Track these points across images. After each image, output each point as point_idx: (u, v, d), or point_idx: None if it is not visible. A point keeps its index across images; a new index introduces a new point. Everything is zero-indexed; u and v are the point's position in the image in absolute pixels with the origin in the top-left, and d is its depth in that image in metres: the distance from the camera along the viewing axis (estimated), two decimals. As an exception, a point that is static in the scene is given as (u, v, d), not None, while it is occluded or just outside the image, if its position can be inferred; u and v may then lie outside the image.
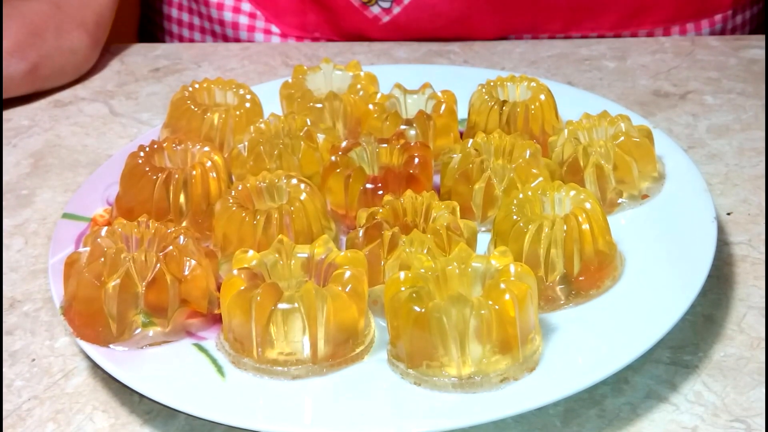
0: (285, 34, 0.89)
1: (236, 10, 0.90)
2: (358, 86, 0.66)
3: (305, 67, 0.68)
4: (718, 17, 0.89)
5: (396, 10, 0.85)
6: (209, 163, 0.57)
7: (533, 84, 0.64)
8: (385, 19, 0.85)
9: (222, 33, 0.92)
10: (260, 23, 0.89)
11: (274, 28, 0.89)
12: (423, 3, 0.85)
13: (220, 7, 0.90)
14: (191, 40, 0.94)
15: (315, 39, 0.89)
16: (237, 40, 0.91)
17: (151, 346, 0.48)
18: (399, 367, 0.46)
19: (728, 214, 0.60)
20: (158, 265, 0.48)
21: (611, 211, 0.57)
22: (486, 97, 0.63)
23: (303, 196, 0.54)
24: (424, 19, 0.86)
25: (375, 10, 0.85)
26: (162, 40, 0.97)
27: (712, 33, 0.89)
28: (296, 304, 0.45)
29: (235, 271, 0.47)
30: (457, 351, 0.44)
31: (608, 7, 0.86)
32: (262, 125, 0.61)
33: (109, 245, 0.49)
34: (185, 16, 0.94)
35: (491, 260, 0.47)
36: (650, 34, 0.87)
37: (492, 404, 0.43)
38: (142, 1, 0.99)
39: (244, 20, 0.90)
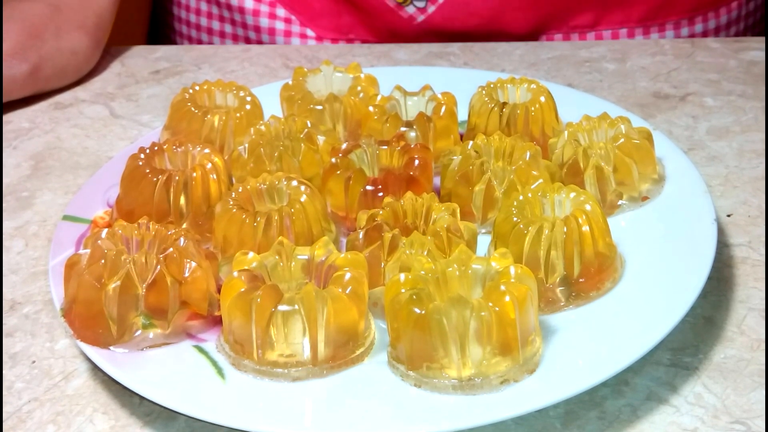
0: (320, 37, 0.90)
1: (272, 15, 0.90)
2: (359, 88, 0.66)
3: (305, 69, 0.68)
4: (734, 4, 0.90)
5: (431, 9, 0.86)
6: (209, 165, 0.57)
7: (533, 86, 0.64)
8: (420, 18, 0.86)
9: (257, 39, 0.93)
10: (296, 27, 0.90)
11: (310, 32, 0.90)
12: (457, 2, 0.86)
13: (256, 13, 0.91)
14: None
15: (350, 40, 0.90)
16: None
17: (151, 348, 0.48)
18: (399, 369, 0.46)
19: (728, 215, 0.60)
20: (158, 267, 0.48)
21: (611, 213, 0.57)
22: (486, 99, 0.63)
23: (303, 198, 0.54)
24: (458, 18, 0.87)
25: (410, 9, 0.86)
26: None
27: (728, 22, 0.90)
28: (296, 306, 0.45)
29: (235, 273, 0.47)
30: (458, 353, 0.44)
31: None
32: (263, 127, 0.61)
33: (109, 247, 0.49)
34: (216, 24, 0.94)
35: (491, 262, 0.47)
36: (677, 26, 0.88)
37: (492, 406, 0.43)
38: (162, 11, 0.99)
39: (280, 26, 0.91)
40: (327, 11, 0.90)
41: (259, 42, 0.93)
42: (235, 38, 0.94)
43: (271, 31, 0.91)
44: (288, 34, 0.91)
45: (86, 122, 0.76)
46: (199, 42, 0.96)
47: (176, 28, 0.98)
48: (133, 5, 0.90)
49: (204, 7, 0.95)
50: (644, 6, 0.88)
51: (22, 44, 0.77)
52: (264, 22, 0.91)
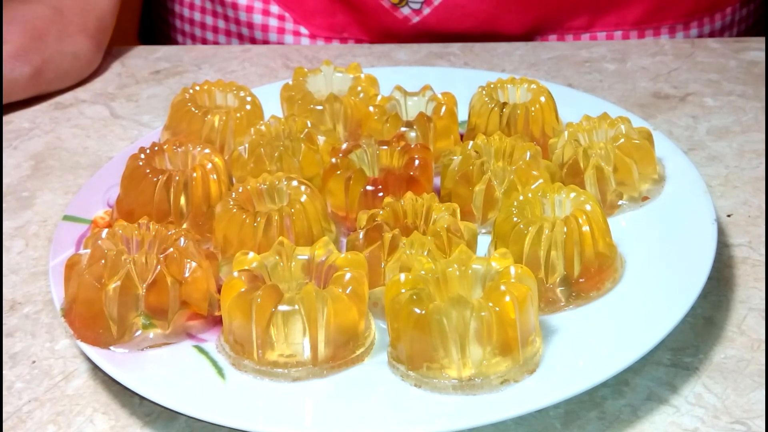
0: (314, 36, 0.90)
1: (265, 12, 0.90)
2: (359, 88, 0.66)
3: (306, 69, 0.68)
4: (728, 9, 0.90)
5: (426, 11, 0.86)
6: (210, 165, 0.57)
7: (533, 86, 0.64)
8: (415, 19, 0.86)
9: (250, 36, 0.92)
10: (289, 25, 0.90)
11: (303, 30, 0.90)
12: (453, 3, 0.86)
13: (249, 9, 0.91)
14: (215, 44, 0.95)
15: (343, 40, 0.90)
16: (266, 42, 0.92)
17: (151, 348, 0.48)
18: (399, 369, 0.46)
19: (728, 216, 0.60)
20: (159, 267, 0.48)
21: (611, 213, 0.57)
22: (486, 99, 0.63)
23: (303, 198, 0.54)
24: (453, 20, 0.87)
25: (405, 11, 0.86)
26: (179, 44, 0.97)
27: (722, 27, 0.90)
28: (296, 306, 0.45)
29: (235, 273, 0.47)
30: (458, 353, 0.44)
31: (632, 1, 0.87)
32: (263, 127, 0.61)
33: (109, 247, 0.49)
34: (209, 20, 0.94)
35: (491, 262, 0.47)
36: (672, 30, 0.88)
37: (492, 406, 0.43)
38: (158, 6, 1.00)
39: (273, 22, 0.90)
40: (321, 9, 0.90)
41: (253, 38, 0.93)
42: (228, 34, 0.94)
43: (264, 28, 0.91)
44: (281, 31, 0.91)
45: (86, 122, 0.77)
46: (193, 37, 0.96)
47: (170, 22, 0.98)
48: (124, 3, 0.90)
49: (198, 1, 0.94)
50: (639, 9, 0.88)
51: (24, 47, 0.77)
52: (257, 18, 0.91)
